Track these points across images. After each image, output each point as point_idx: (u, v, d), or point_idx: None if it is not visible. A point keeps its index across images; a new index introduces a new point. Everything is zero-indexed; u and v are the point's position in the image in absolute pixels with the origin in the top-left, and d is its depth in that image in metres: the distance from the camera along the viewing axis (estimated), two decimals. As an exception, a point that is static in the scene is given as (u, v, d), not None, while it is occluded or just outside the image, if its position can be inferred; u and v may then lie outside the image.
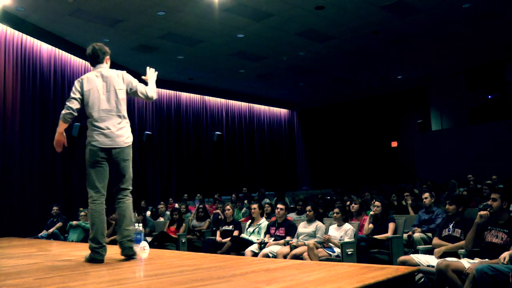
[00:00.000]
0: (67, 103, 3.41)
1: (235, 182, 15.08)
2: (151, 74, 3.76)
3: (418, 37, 10.79)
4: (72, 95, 3.43)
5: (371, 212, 5.76)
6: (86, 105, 3.42)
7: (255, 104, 16.99)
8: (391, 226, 5.40)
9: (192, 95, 14.89)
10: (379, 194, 8.85)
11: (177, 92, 14.46)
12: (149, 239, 6.93)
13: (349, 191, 11.47)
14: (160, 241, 6.90)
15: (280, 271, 2.71)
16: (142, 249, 3.78)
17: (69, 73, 10.38)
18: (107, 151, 3.35)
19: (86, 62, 10.90)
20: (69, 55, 10.40)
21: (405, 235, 5.53)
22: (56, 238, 7.78)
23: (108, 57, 3.58)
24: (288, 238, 5.43)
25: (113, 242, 6.99)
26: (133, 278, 2.77)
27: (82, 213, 7.87)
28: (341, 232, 5.22)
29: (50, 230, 7.92)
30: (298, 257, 4.85)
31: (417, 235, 5.46)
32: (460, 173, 11.03)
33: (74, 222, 7.99)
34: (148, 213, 9.05)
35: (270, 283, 2.30)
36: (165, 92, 14.15)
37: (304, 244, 5.01)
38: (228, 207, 6.71)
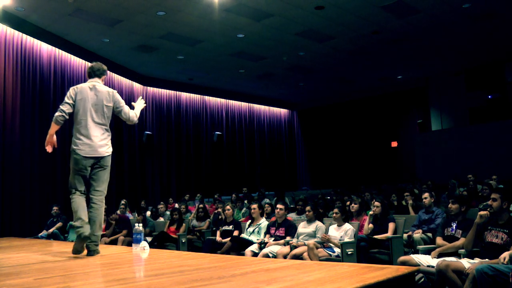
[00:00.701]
0: (61, 106, 3.78)
1: (235, 182, 15.08)
2: (139, 103, 4.23)
3: (418, 37, 10.80)
4: (66, 99, 3.80)
5: (371, 212, 5.76)
6: (75, 113, 3.80)
7: (255, 104, 16.99)
8: (391, 226, 5.40)
9: (192, 95, 14.89)
10: (379, 194, 8.85)
11: (177, 92, 14.46)
12: (149, 239, 6.93)
13: (349, 191, 11.46)
14: (160, 241, 6.90)
15: (280, 271, 2.71)
16: (142, 249, 3.79)
17: (69, 73, 10.38)
18: (89, 160, 3.77)
19: (86, 62, 10.90)
20: (69, 55, 10.40)
21: (405, 235, 5.53)
22: (56, 238, 7.78)
23: (104, 77, 4.04)
24: (288, 238, 5.43)
25: (113, 242, 7.02)
26: (133, 278, 2.77)
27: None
28: (341, 232, 5.22)
29: (50, 230, 7.92)
30: (298, 257, 4.85)
31: (417, 235, 5.47)
32: (460, 173, 11.03)
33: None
34: (148, 213, 9.05)
35: (270, 283, 2.30)
36: (165, 92, 14.15)
37: (304, 244, 5.01)
38: (228, 207, 6.71)
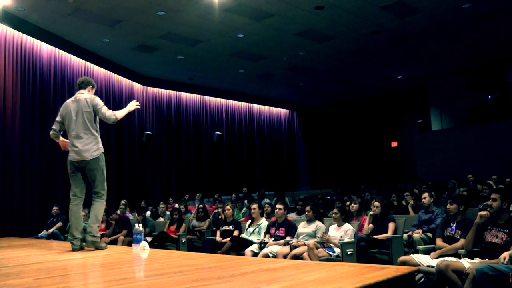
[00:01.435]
0: (53, 125, 4.34)
1: (235, 182, 15.08)
2: (130, 104, 4.53)
3: (418, 37, 10.80)
4: (56, 118, 4.35)
5: (371, 212, 5.76)
6: (66, 126, 4.28)
7: (255, 104, 16.99)
8: (391, 226, 5.40)
9: (192, 95, 14.89)
10: (379, 194, 8.85)
11: (177, 92, 14.46)
12: (149, 239, 6.92)
13: (349, 191, 11.46)
14: (160, 241, 6.90)
15: (280, 271, 2.71)
16: (142, 249, 3.79)
17: (69, 73, 10.37)
18: (77, 164, 4.20)
19: (86, 62, 10.90)
20: (69, 55, 10.40)
21: (405, 235, 5.53)
22: (56, 238, 7.78)
23: (91, 87, 4.40)
24: (288, 238, 5.43)
25: (113, 242, 7.01)
26: (133, 278, 2.77)
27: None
28: (341, 232, 5.22)
29: (50, 230, 7.91)
30: (298, 257, 4.85)
31: (417, 235, 5.47)
32: (460, 173, 11.03)
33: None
34: (148, 213, 9.04)
35: (270, 283, 2.30)
36: (165, 92, 14.15)
37: (304, 244, 5.01)
38: (228, 207, 6.71)
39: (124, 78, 12.44)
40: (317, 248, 4.91)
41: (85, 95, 4.26)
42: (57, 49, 10.05)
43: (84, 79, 4.42)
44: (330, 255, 4.98)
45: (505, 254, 3.31)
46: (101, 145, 4.26)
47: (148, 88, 13.61)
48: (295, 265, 2.96)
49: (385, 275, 2.29)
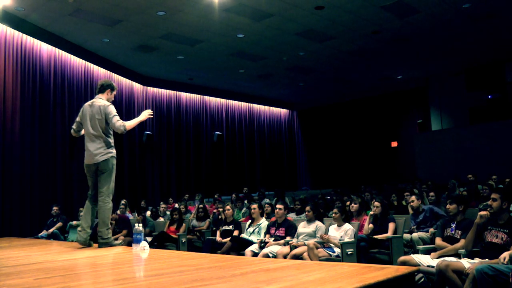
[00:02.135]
0: (73, 124, 4.59)
1: (235, 182, 15.09)
2: (143, 114, 4.58)
3: (418, 37, 10.80)
4: (76, 118, 4.55)
5: (371, 212, 5.76)
6: (83, 128, 4.46)
7: (255, 104, 16.99)
8: (391, 226, 5.40)
9: (192, 95, 14.89)
10: (379, 194, 8.85)
11: (177, 92, 14.46)
12: (149, 239, 6.93)
13: (349, 191, 11.46)
14: (160, 241, 6.90)
15: (280, 271, 2.71)
16: (142, 249, 3.79)
17: (69, 73, 10.38)
18: (89, 166, 4.40)
19: (86, 62, 10.91)
20: (69, 55, 10.40)
21: (405, 235, 5.53)
22: (56, 238, 7.78)
23: (109, 90, 4.53)
24: (288, 238, 5.43)
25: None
26: (133, 278, 2.77)
27: (82, 213, 7.86)
28: (341, 232, 5.22)
29: (50, 230, 7.92)
30: (298, 257, 4.85)
31: (415, 235, 5.48)
32: (460, 173, 11.03)
33: (74, 222, 8.00)
34: (148, 213, 9.05)
35: (270, 283, 2.30)
36: (165, 92, 14.15)
37: (304, 244, 5.01)
38: (228, 207, 6.71)
39: (124, 78, 12.44)
40: (317, 248, 4.91)
41: (100, 101, 4.41)
42: (57, 49, 10.06)
43: (104, 82, 4.57)
44: (330, 255, 4.99)
45: (505, 254, 3.31)
46: (112, 150, 4.41)
47: (148, 88, 13.61)
48: (295, 265, 2.96)
49: (385, 275, 2.29)
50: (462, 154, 12.79)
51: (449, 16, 9.60)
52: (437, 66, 13.66)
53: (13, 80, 8.89)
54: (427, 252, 4.22)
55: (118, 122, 4.34)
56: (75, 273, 2.93)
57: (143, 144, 13.04)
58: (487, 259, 3.52)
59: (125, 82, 12.51)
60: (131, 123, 4.49)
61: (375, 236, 5.34)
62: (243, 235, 6.11)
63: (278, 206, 5.77)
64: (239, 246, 5.75)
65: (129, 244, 6.50)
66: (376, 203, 5.62)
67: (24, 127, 9.01)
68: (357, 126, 16.83)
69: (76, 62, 10.66)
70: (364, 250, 5.10)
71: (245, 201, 10.11)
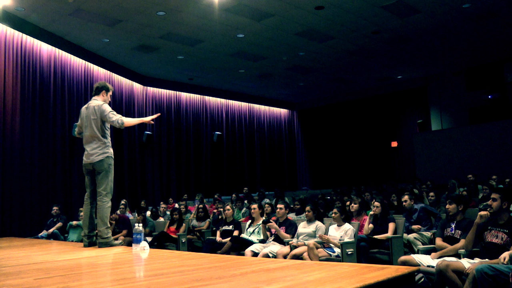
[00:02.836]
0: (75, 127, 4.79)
1: (235, 182, 15.08)
2: (148, 117, 4.60)
3: (418, 37, 10.80)
4: (77, 122, 4.71)
5: (371, 212, 5.76)
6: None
7: (255, 104, 16.99)
8: (391, 226, 5.40)
9: (192, 95, 14.89)
10: (379, 194, 8.84)
11: (177, 92, 14.46)
12: (149, 239, 6.92)
13: (349, 191, 11.46)
14: (160, 241, 6.89)
15: (280, 271, 2.71)
16: (142, 249, 3.79)
17: (69, 73, 10.37)
18: (86, 166, 4.53)
19: (86, 62, 10.90)
20: (69, 55, 10.39)
21: (405, 235, 5.53)
22: (56, 238, 7.78)
23: (105, 91, 4.58)
24: (287, 235, 5.45)
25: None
26: (133, 278, 2.77)
27: (82, 213, 7.86)
28: (341, 232, 5.22)
29: (50, 230, 7.91)
30: (298, 257, 4.85)
31: (411, 235, 5.48)
32: (460, 173, 11.02)
33: (74, 222, 7.99)
34: (148, 213, 9.05)
35: (270, 283, 2.30)
36: (165, 92, 14.15)
37: (304, 244, 5.01)
38: (228, 207, 6.72)
39: (124, 78, 12.44)
40: (317, 248, 4.91)
41: (95, 102, 4.49)
42: (57, 49, 10.05)
43: (98, 84, 4.64)
44: (330, 255, 4.99)
45: (505, 254, 3.31)
46: (109, 150, 4.50)
47: (148, 88, 13.61)
48: (295, 265, 2.96)
49: (385, 275, 2.29)
50: (462, 154, 12.79)
51: (449, 16, 9.61)
52: (437, 66, 13.66)
53: (13, 80, 8.89)
54: (427, 252, 4.22)
55: (114, 116, 4.39)
56: (75, 273, 2.93)
57: (143, 144, 13.04)
58: (487, 259, 3.52)
59: (125, 82, 12.51)
60: (131, 121, 4.55)
61: (375, 236, 5.34)
62: (243, 235, 6.11)
63: (279, 205, 5.80)
64: (239, 246, 5.75)
65: (129, 244, 6.50)
66: (376, 203, 5.62)
67: (24, 127, 9.00)
68: (357, 126, 16.83)
69: (76, 62, 10.65)
70: (364, 250, 5.10)
71: (245, 201, 10.11)
